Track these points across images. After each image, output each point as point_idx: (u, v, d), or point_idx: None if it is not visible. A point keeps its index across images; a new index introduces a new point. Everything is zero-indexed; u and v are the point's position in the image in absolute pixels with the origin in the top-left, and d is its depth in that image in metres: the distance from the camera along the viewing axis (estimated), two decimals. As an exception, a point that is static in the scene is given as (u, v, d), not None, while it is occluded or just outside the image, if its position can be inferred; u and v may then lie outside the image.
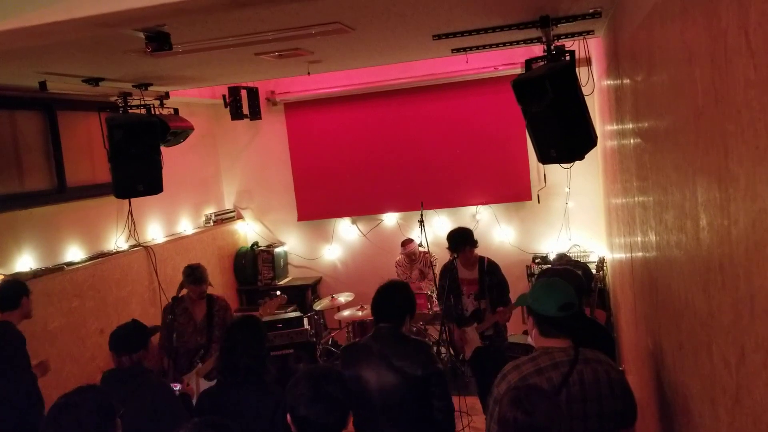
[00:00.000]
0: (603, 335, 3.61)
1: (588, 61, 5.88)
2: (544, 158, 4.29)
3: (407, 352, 3.18)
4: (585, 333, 2.63)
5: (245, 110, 6.83)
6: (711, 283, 1.71)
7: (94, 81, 4.82)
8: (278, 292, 6.39)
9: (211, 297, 5.14)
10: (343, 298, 7.05)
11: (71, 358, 5.13)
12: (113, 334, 3.58)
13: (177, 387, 4.55)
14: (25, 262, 4.99)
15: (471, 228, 5.54)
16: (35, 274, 4.90)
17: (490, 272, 5.38)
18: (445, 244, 7.36)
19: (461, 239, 5.33)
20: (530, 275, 7.04)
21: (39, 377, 4.26)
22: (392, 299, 3.36)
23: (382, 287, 3.46)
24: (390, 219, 7.98)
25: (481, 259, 5.43)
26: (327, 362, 6.91)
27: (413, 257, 7.07)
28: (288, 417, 2.24)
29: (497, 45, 5.01)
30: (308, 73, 5.64)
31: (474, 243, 5.36)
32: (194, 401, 4.65)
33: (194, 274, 5.03)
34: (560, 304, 2.51)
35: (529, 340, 2.67)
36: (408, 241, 7.06)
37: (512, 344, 5.59)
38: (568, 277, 3.04)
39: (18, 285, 4.35)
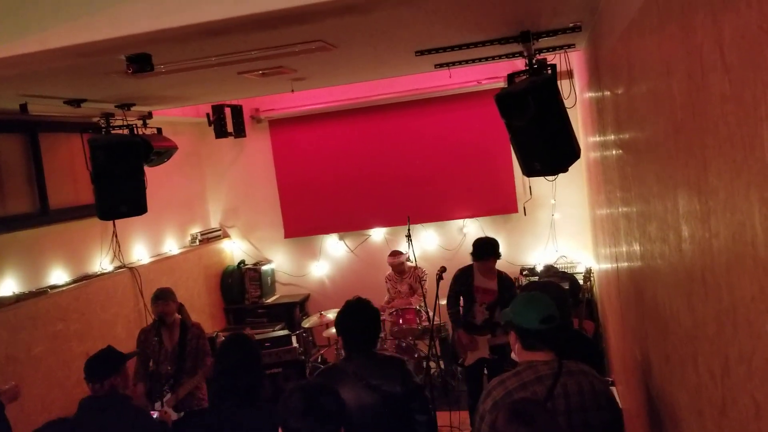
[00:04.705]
0: (589, 347, 3.61)
1: (570, 74, 5.93)
2: (529, 171, 4.31)
3: (383, 371, 3.12)
4: (571, 345, 2.63)
5: (230, 128, 6.82)
6: (694, 295, 1.72)
7: (76, 102, 4.80)
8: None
9: (185, 324, 5.06)
10: (331, 314, 6.99)
11: (56, 382, 5.05)
12: (85, 362, 3.53)
13: (155, 414, 4.48)
14: (8, 286, 4.92)
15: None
16: (18, 298, 4.84)
17: (508, 287, 5.43)
18: (433, 258, 7.47)
19: (484, 248, 5.38)
20: (518, 287, 7.04)
21: (7, 404, 3.91)
22: (364, 325, 3.20)
23: (350, 311, 3.25)
24: (377, 234, 7.97)
25: (499, 272, 5.47)
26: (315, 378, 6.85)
27: (400, 269, 7.03)
28: (279, 430, 2.22)
29: (479, 60, 5.04)
30: (292, 91, 5.65)
31: (496, 255, 5.40)
32: None
33: (155, 294, 5.00)
34: (542, 317, 2.51)
35: (513, 355, 2.67)
36: (396, 252, 7.01)
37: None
38: (551, 290, 3.04)
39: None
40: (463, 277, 5.53)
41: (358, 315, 3.22)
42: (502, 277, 5.46)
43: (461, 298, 5.61)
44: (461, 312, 5.60)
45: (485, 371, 5.56)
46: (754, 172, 1.14)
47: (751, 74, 1.12)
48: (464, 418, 5.73)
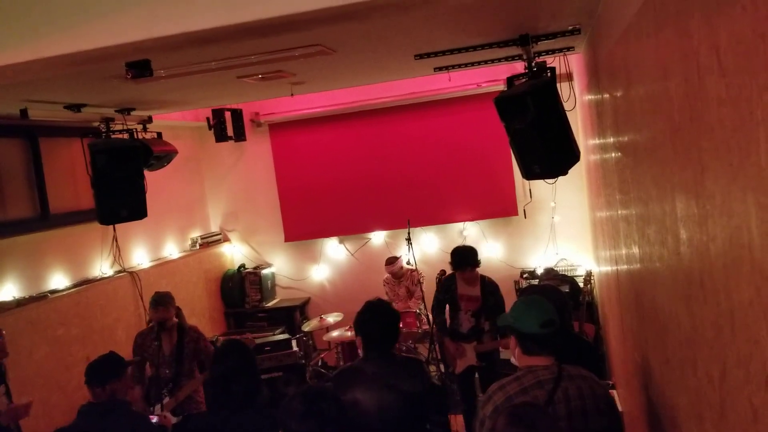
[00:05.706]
0: (588, 351, 3.61)
1: (569, 77, 5.93)
2: (528, 174, 4.31)
3: (402, 371, 3.16)
4: (570, 349, 2.62)
5: (229, 132, 6.81)
6: (693, 299, 1.72)
7: (76, 107, 4.81)
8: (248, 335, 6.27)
9: (182, 327, 5.06)
10: (331, 318, 6.99)
11: (57, 387, 5.05)
12: (87, 366, 3.53)
13: (155, 419, 4.47)
14: (8, 290, 4.92)
15: (458, 244, 5.58)
16: (19, 303, 4.84)
17: (492, 292, 5.36)
18: (433, 261, 7.46)
19: (462, 259, 5.32)
20: (518, 290, 7.04)
21: (6, 423, 3.86)
22: (384, 325, 3.24)
23: (370, 312, 3.30)
24: (377, 237, 7.97)
25: (482, 277, 5.41)
26: (318, 383, 6.83)
27: (398, 274, 7.03)
28: None
29: (479, 63, 5.05)
30: (291, 95, 5.65)
31: (475, 264, 5.33)
32: None
33: (152, 299, 4.99)
34: (542, 321, 2.50)
35: (513, 359, 2.66)
36: (392, 260, 7.02)
37: (504, 360, 5.57)
38: (550, 294, 3.03)
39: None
40: (447, 285, 5.49)
41: (379, 316, 3.25)
42: (485, 282, 5.40)
43: (447, 306, 5.53)
44: (447, 321, 5.53)
45: (476, 375, 5.52)
46: (751, 176, 1.14)
47: (747, 78, 1.12)
48: (462, 421, 5.71)
